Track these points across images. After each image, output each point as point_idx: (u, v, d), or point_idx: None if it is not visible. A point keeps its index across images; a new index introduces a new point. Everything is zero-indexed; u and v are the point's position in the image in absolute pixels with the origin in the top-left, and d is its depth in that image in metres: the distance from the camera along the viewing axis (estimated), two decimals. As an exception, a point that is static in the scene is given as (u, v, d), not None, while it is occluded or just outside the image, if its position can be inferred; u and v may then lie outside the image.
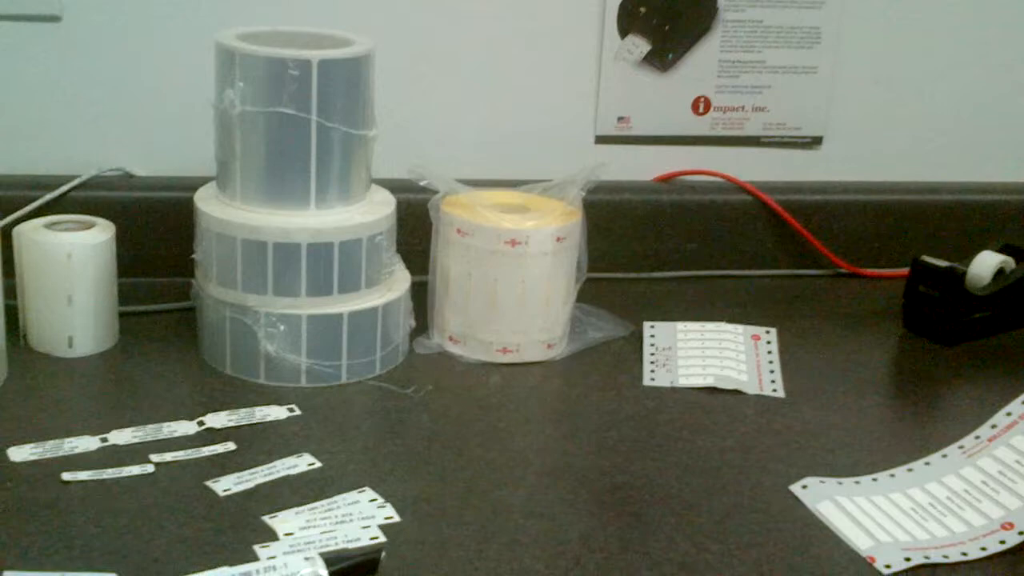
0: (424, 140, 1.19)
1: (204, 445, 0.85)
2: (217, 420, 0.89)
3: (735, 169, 1.29)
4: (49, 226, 0.99)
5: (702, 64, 1.26)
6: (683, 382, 1.01)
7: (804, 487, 0.84)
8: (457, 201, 1.03)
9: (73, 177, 1.13)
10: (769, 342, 1.07)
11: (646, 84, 1.25)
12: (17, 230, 0.98)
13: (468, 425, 0.92)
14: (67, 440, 0.85)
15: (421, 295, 1.05)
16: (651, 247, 1.27)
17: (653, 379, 1.02)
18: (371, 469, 0.84)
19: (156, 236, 1.13)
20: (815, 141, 1.32)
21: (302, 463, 0.84)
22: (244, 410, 0.91)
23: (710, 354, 1.04)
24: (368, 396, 0.96)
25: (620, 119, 1.26)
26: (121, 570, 0.66)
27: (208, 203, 0.97)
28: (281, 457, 0.85)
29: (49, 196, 1.10)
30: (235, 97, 0.92)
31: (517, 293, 1.01)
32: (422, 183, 1.03)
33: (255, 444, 0.86)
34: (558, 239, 1.01)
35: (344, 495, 0.80)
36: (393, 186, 1.04)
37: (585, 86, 1.25)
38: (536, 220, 1.01)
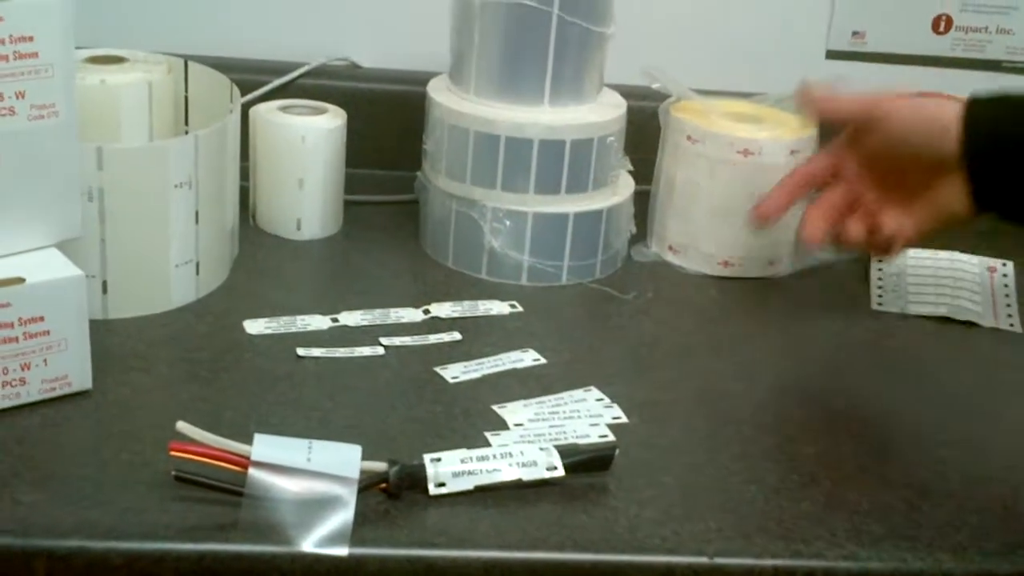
0: (653, 46, 1.15)
1: (430, 333, 0.86)
2: (442, 310, 0.89)
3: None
4: (284, 109, 1.00)
5: (947, -20, 1.19)
6: (913, 310, 0.97)
7: (1050, 425, 0.80)
8: (689, 107, 1.00)
9: (301, 64, 1.14)
10: (1005, 275, 1.02)
11: (886, -2, 1.19)
12: (253, 111, 1.00)
13: (690, 335, 0.90)
14: (299, 317, 0.86)
15: (639, 203, 1.03)
16: (877, 170, 1.21)
17: (880, 304, 0.98)
18: (595, 370, 0.83)
19: (378, 127, 1.13)
20: (1061, 69, 1.24)
21: (527, 358, 0.84)
22: (467, 302, 0.91)
23: (943, 283, 1.00)
24: (588, 298, 0.95)
25: (855, 34, 1.20)
26: (359, 443, 0.67)
27: (441, 94, 0.97)
28: (506, 351, 0.84)
29: (279, 81, 1.11)
30: (477, -13, 0.91)
31: (746, 205, 0.97)
32: (655, 86, 1.00)
33: (480, 336, 0.86)
34: (792, 152, 0.97)
35: (570, 392, 0.79)
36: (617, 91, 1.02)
37: (820, -3, 1.20)
38: (771, 131, 0.97)
